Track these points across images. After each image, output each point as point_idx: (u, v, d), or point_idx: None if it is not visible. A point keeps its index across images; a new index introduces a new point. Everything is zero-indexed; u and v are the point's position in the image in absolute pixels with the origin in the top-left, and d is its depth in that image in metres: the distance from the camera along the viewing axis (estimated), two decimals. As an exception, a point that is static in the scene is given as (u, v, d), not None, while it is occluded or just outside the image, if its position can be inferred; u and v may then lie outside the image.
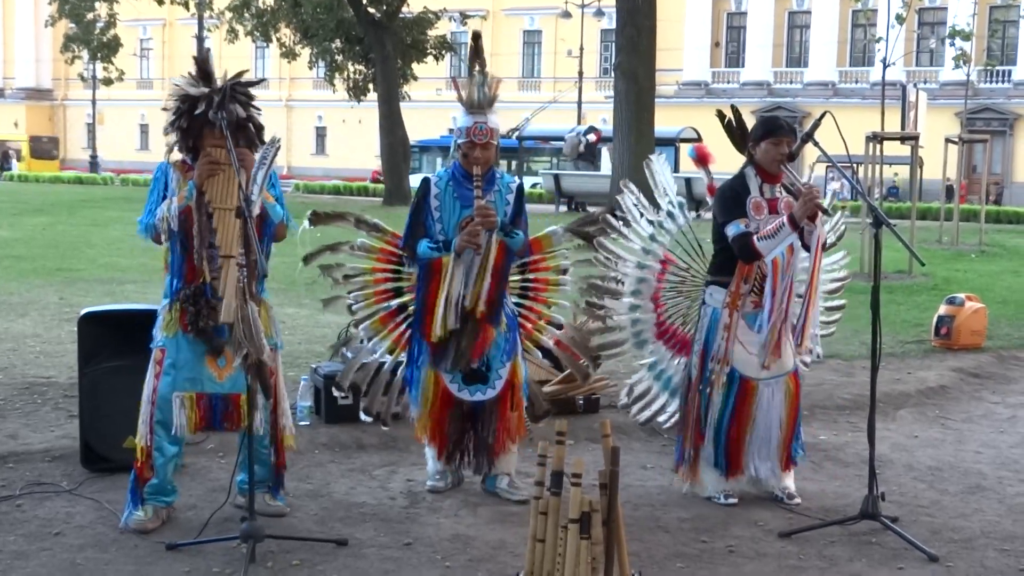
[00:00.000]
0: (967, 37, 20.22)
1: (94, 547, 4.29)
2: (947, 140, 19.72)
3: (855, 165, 14.23)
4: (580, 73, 43.17)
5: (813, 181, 5.19)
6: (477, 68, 4.90)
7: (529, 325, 5.19)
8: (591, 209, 24.83)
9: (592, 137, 33.33)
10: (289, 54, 35.24)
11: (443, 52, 33.92)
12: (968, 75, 23.34)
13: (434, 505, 4.92)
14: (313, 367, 6.24)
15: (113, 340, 5.11)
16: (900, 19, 17.23)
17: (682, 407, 5.18)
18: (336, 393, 5.77)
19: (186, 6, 35.15)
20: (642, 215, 5.44)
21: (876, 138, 13.98)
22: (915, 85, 17.16)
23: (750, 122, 5.12)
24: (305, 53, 34.69)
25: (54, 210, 24.01)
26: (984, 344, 8.96)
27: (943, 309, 9.04)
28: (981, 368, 8.28)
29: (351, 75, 33.96)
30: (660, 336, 5.41)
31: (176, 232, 4.36)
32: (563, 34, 49.35)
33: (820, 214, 4.78)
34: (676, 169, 25.78)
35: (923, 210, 22.02)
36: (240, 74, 4.47)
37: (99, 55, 39.90)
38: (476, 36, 5.09)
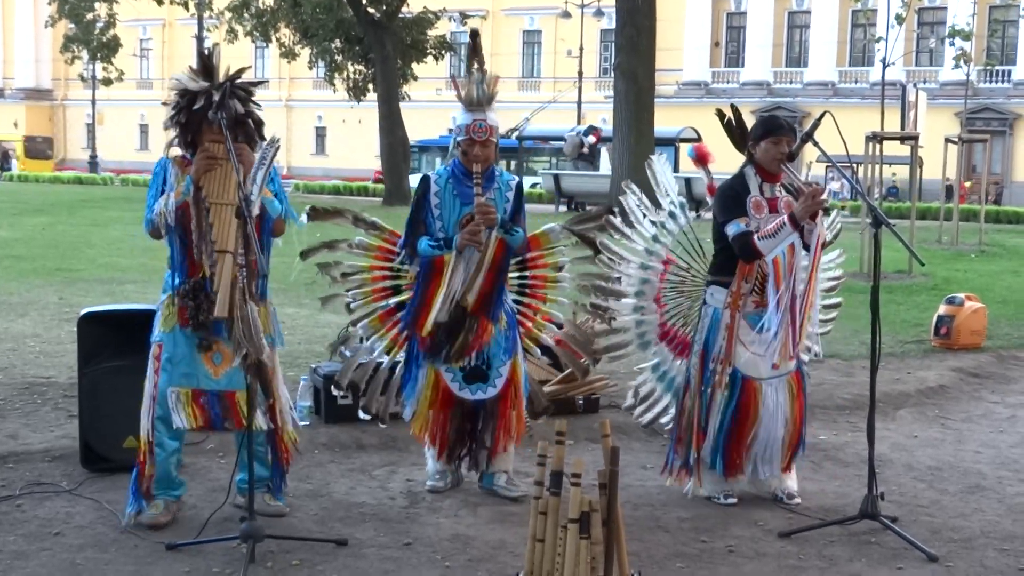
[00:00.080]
0: (967, 37, 20.22)
1: (94, 547, 4.29)
2: (947, 140, 19.71)
3: (855, 165, 14.24)
4: (580, 73, 43.17)
5: (811, 180, 5.19)
6: (476, 66, 4.90)
7: (528, 323, 5.19)
8: (590, 209, 24.82)
9: (592, 139, 33.32)
10: (289, 54, 35.24)
11: (443, 52, 33.93)
12: (968, 75, 23.35)
13: (434, 505, 4.92)
14: (313, 367, 6.24)
15: (113, 340, 5.11)
16: (900, 19, 17.22)
17: (678, 409, 5.16)
18: (335, 392, 5.77)
19: (186, 6, 35.18)
20: (645, 215, 5.44)
21: (876, 138, 13.98)
22: (915, 85, 17.15)
23: (750, 122, 5.12)
24: (305, 53, 34.70)
25: (54, 210, 24.01)
26: (984, 344, 8.96)
27: (943, 309, 9.04)
28: (981, 368, 8.29)
29: (351, 75, 33.97)
30: (663, 337, 5.41)
31: (174, 227, 4.37)
32: (563, 34, 49.36)
33: (820, 213, 4.79)
34: (676, 169, 25.75)
35: (923, 210, 22.02)
36: (240, 72, 4.47)
37: (99, 55, 39.92)
38: (475, 34, 5.10)
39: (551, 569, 3.53)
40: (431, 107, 45.60)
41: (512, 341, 4.98)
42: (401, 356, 5.07)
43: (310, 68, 39.07)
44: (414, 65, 33.47)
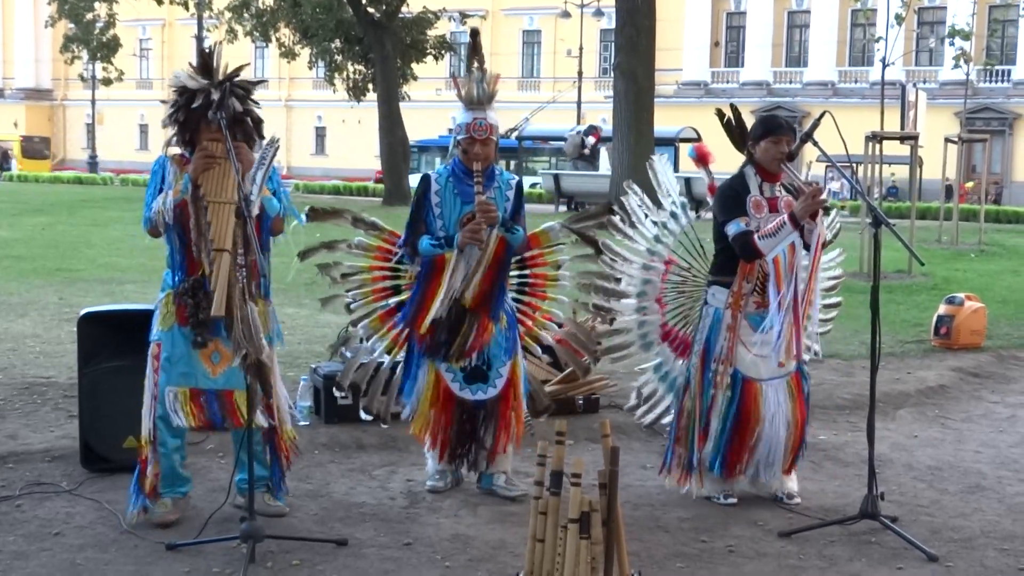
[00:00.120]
0: (967, 36, 20.22)
1: (94, 547, 4.29)
2: (947, 140, 19.72)
3: (854, 165, 14.24)
4: (579, 73, 43.16)
5: (811, 180, 5.19)
6: (476, 65, 4.90)
7: (529, 322, 5.19)
8: (590, 208, 24.80)
9: (591, 139, 33.32)
10: (289, 54, 35.23)
11: (443, 52, 33.91)
12: (967, 75, 23.34)
13: (434, 505, 4.92)
14: (313, 367, 6.24)
15: (113, 340, 5.11)
16: (899, 19, 17.22)
17: (677, 409, 5.16)
18: (336, 393, 5.77)
19: (185, 6, 35.16)
20: (646, 216, 5.43)
21: (875, 138, 13.98)
22: (914, 85, 17.15)
23: (749, 122, 5.11)
24: (305, 53, 34.68)
25: (54, 210, 24.00)
26: (983, 344, 8.96)
27: (943, 309, 9.04)
28: (980, 368, 8.29)
29: (351, 75, 33.96)
30: (665, 338, 5.40)
31: (172, 225, 4.36)
32: (562, 34, 49.34)
33: (820, 212, 4.79)
34: (676, 169, 25.72)
35: (923, 210, 22.02)
36: (238, 70, 4.45)
37: (99, 55, 39.90)
38: (475, 33, 5.10)
39: (551, 569, 3.53)
40: (431, 107, 45.59)
41: (512, 341, 4.98)
42: (402, 356, 5.07)
43: (310, 68, 39.06)
44: (414, 65, 33.46)
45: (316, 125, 58.83)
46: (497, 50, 48.61)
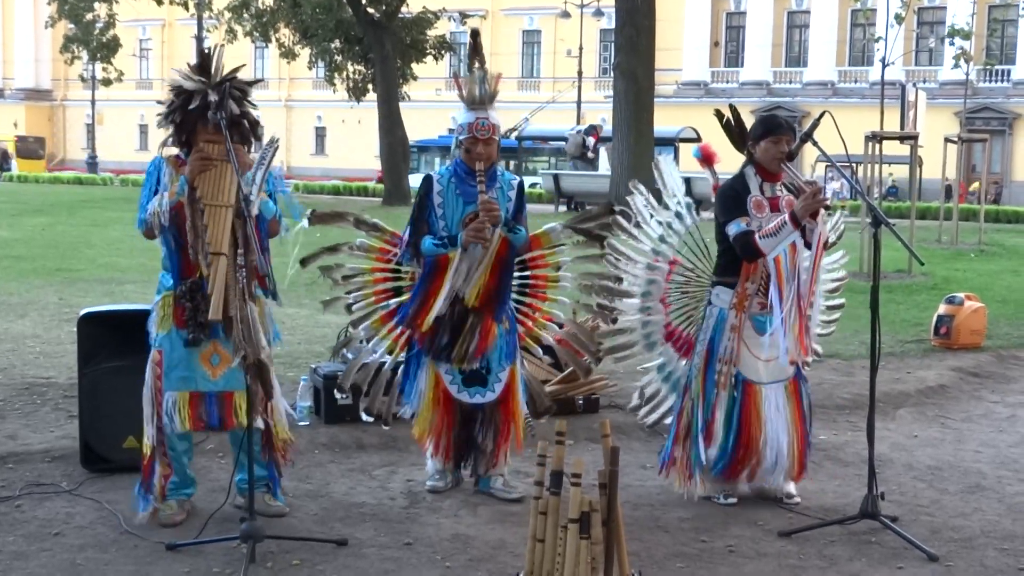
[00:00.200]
0: (966, 36, 20.23)
1: (94, 547, 4.29)
2: (946, 139, 19.71)
3: (854, 165, 14.23)
4: (579, 73, 43.16)
5: (812, 179, 5.18)
6: (477, 65, 4.90)
7: (529, 322, 5.19)
8: (591, 208, 24.79)
9: (591, 140, 33.31)
10: (288, 54, 35.23)
11: (442, 52, 33.91)
12: (967, 74, 23.35)
13: (434, 505, 4.92)
14: (313, 367, 6.24)
15: (113, 340, 5.11)
16: (899, 18, 17.23)
17: (678, 409, 5.15)
18: (337, 394, 5.77)
19: (185, 6, 35.17)
20: (652, 216, 5.42)
21: (875, 138, 13.98)
22: (914, 84, 17.15)
23: (749, 122, 5.11)
24: (305, 53, 34.69)
25: (54, 210, 24.00)
26: (983, 343, 8.96)
27: (942, 308, 9.04)
28: (980, 367, 8.29)
29: (351, 75, 33.96)
30: (668, 338, 5.39)
31: (168, 227, 4.34)
32: (562, 34, 49.35)
33: (822, 212, 4.78)
34: (675, 168, 25.67)
35: (922, 209, 22.02)
36: (235, 71, 4.43)
37: (98, 55, 39.89)
38: (475, 34, 5.09)
39: (551, 569, 3.53)
40: (431, 107, 45.59)
41: (512, 346, 4.98)
42: (403, 357, 5.06)
43: (310, 68, 39.06)
44: (414, 65, 33.46)
45: (316, 125, 58.84)
46: (497, 50, 48.61)
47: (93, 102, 50.99)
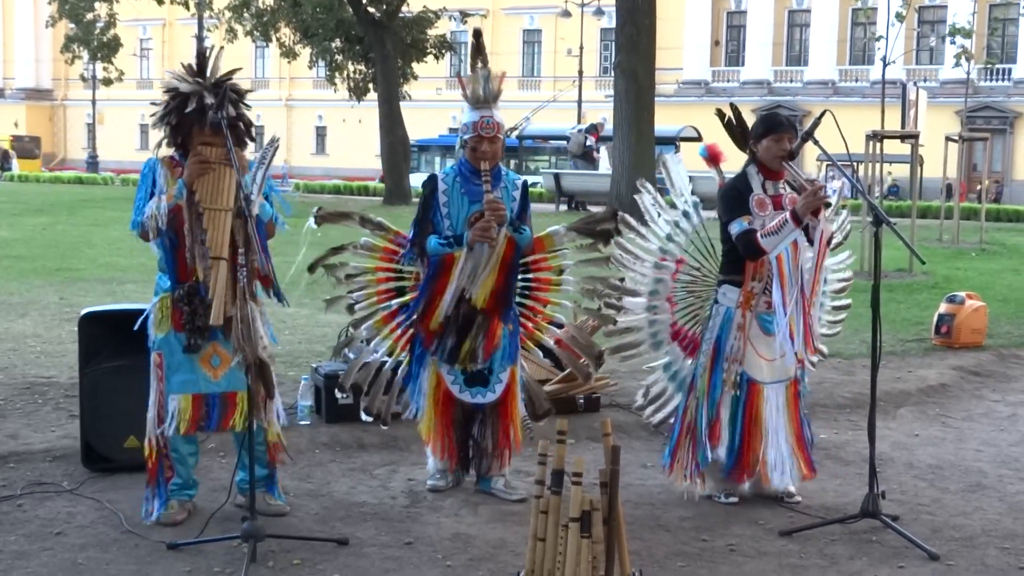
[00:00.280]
0: (967, 35, 20.22)
1: (95, 547, 4.29)
2: (947, 138, 19.71)
3: (855, 164, 14.22)
4: (580, 72, 43.16)
5: (813, 178, 5.17)
6: (480, 64, 4.90)
7: (530, 325, 5.18)
8: (591, 208, 24.89)
9: (591, 140, 33.29)
10: (289, 54, 35.22)
11: (443, 51, 33.90)
12: (968, 73, 23.34)
13: (435, 504, 4.92)
14: (313, 367, 6.24)
15: (113, 340, 5.10)
16: (900, 17, 17.23)
17: (681, 408, 5.14)
18: (338, 394, 5.77)
19: (186, 6, 35.15)
20: (660, 215, 5.41)
21: (876, 136, 13.98)
22: (915, 83, 17.16)
23: (750, 121, 5.11)
24: (305, 53, 34.68)
25: (54, 210, 24.00)
26: (984, 342, 8.96)
27: (943, 307, 9.04)
28: (981, 366, 8.28)
29: (351, 75, 33.95)
30: (674, 337, 5.38)
31: (165, 230, 4.32)
32: (563, 33, 49.36)
33: (824, 210, 4.78)
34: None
35: (923, 208, 22.01)
36: (231, 73, 4.40)
37: (99, 55, 39.87)
38: (477, 33, 5.08)
39: (552, 568, 3.53)
40: (431, 107, 45.60)
41: (515, 348, 4.97)
42: (403, 357, 5.06)
43: (310, 68, 39.06)
44: (414, 64, 33.44)
45: (316, 125, 58.84)
46: (497, 49, 48.59)
47: (94, 102, 51.00)
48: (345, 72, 33.86)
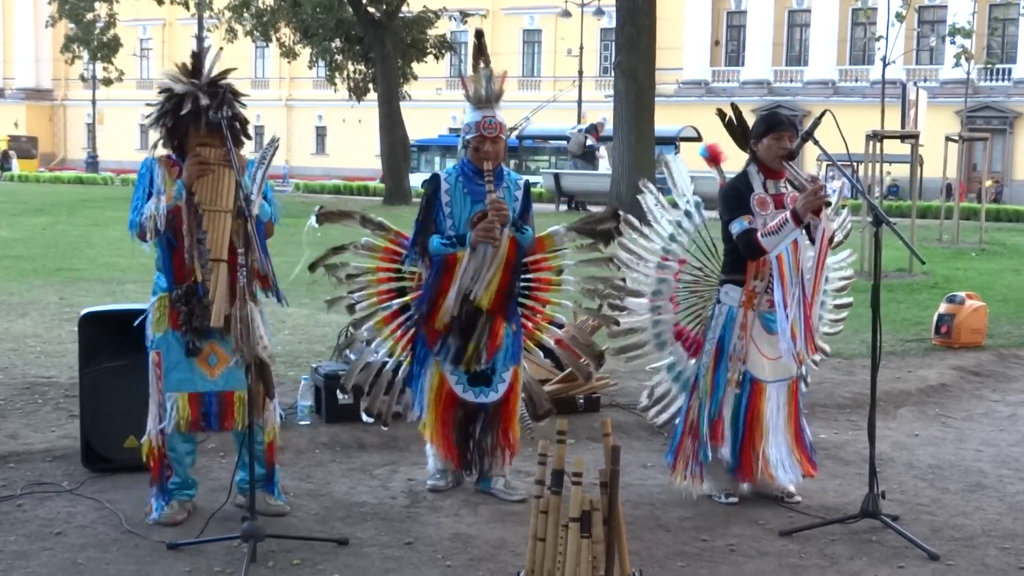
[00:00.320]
0: (967, 35, 20.22)
1: (95, 547, 4.29)
2: (947, 138, 19.71)
3: (855, 164, 14.23)
4: (580, 72, 43.17)
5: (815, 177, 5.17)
6: (482, 64, 4.89)
7: (530, 325, 5.17)
8: (592, 208, 24.89)
9: (591, 140, 33.30)
10: (289, 54, 35.23)
11: (443, 51, 33.93)
12: (968, 73, 23.34)
13: (435, 504, 4.92)
14: (313, 367, 6.24)
15: (114, 340, 5.10)
16: (900, 17, 17.23)
17: (685, 408, 5.14)
18: (340, 395, 5.76)
19: (186, 6, 35.14)
20: (662, 215, 5.40)
21: (876, 136, 13.98)
22: (915, 83, 17.16)
23: (751, 121, 5.11)
24: (305, 53, 34.70)
25: (54, 210, 24.01)
26: (984, 342, 8.96)
27: (943, 307, 9.04)
28: (981, 366, 8.28)
29: (351, 75, 33.97)
30: (678, 337, 5.38)
31: (163, 231, 4.32)
32: (563, 33, 49.36)
33: (826, 209, 4.78)
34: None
35: (923, 208, 22.00)
36: (225, 73, 4.38)
37: (99, 55, 39.89)
38: (479, 34, 5.08)
39: (552, 568, 3.53)
40: (431, 106, 45.59)
41: (517, 347, 4.97)
42: (404, 358, 5.05)
43: (310, 68, 39.07)
44: (414, 64, 33.48)
45: (316, 125, 58.85)
46: (497, 49, 48.49)
47: (94, 102, 51.01)
48: (345, 72, 33.89)
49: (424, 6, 32.89)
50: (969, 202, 27.37)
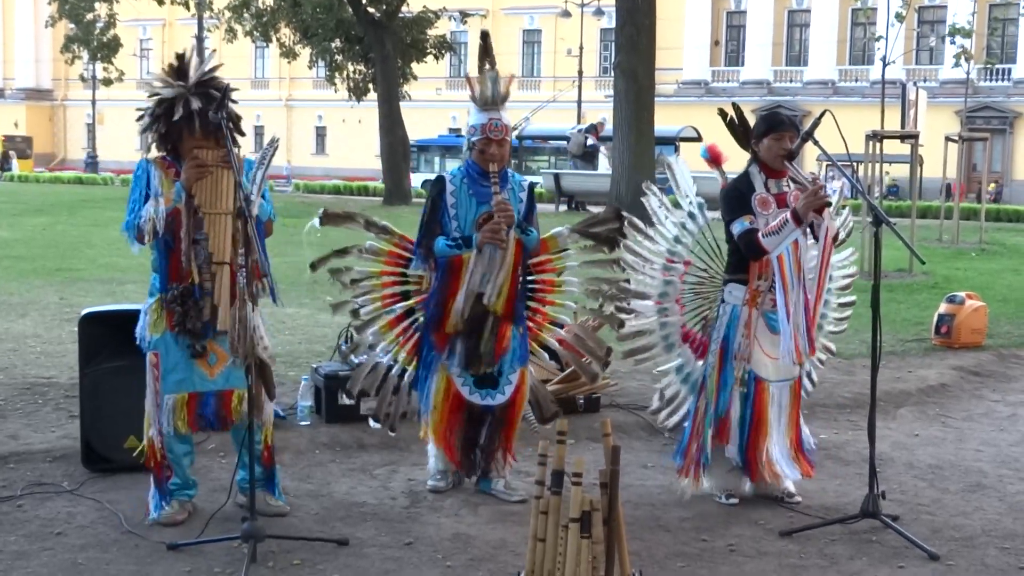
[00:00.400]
0: (967, 35, 20.22)
1: (95, 547, 4.29)
2: (947, 138, 19.71)
3: (855, 164, 14.23)
4: (580, 72, 43.16)
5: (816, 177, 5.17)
6: (488, 66, 4.88)
7: (534, 326, 5.17)
8: (592, 209, 24.88)
9: (590, 140, 33.28)
10: (289, 54, 35.22)
11: (443, 51, 33.91)
12: (968, 73, 23.34)
13: (435, 504, 4.92)
14: (313, 367, 6.23)
15: (114, 340, 5.10)
16: (900, 17, 17.22)
17: (693, 408, 5.14)
18: (344, 399, 5.74)
19: (186, 6, 35.18)
20: (667, 217, 5.40)
21: (876, 136, 13.97)
22: (915, 83, 17.14)
23: (751, 121, 5.11)
24: (305, 53, 34.69)
25: (54, 210, 24.00)
26: (984, 342, 8.96)
27: (943, 307, 9.04)
28: (981, 366, 8.28)
29: (351, 75, 33.96)
30: (685, 339, 5.37)
31: (161, 233, 4.31)
32: (563, 33, 49.35)
33: (828, 208, 4.78)
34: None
35: (923, 208, 22.00)
36: (212, 70, 4.36)
37: (99, 55, 39.92)
38: (484, 35, 5.08)
39: (552, 568, 3.53)
40: (431, 107, 45.58)
41: (524, 349, 4.96)
42: (406, 360, 5.03)
43: (310, 68, 39.06)
44: (414, 65, 33.46)
45: (316, 125, 58.83)
46: (497, 50, 46.89)
47: (94, 102, 51.03)
48: (345, 72, 33.87)
49: (424, 6, 32.88)
50: (969, 202, 27.36)
